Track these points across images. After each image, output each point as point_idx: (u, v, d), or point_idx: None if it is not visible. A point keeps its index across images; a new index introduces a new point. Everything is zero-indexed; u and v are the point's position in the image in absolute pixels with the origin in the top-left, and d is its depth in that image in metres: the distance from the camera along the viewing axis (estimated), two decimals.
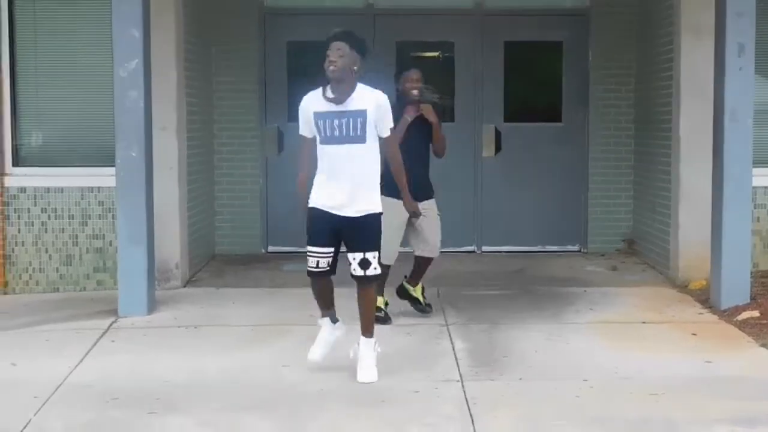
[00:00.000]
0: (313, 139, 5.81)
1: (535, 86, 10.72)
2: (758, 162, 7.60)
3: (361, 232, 5.77)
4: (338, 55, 5.65)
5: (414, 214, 6.83)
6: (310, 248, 5.82)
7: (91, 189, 8.53)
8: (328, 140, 5.74)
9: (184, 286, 8.64)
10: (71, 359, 6.35)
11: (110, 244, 8.52)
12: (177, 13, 8.45)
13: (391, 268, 7.00)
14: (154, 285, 7.80)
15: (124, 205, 7.48)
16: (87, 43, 8.64)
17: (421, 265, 7.29)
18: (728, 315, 7.25)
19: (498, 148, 10.39)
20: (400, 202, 6.68)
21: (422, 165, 7.12)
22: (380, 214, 5.85)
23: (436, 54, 10.79)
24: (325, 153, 5.77)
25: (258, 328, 7.14)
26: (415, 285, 7.39)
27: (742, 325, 6.97)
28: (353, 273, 5.83)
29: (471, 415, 5.26)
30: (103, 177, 8.36)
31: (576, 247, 10.40)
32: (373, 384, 5.78)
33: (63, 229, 8.56)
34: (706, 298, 7.77)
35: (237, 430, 5.13)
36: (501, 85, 10.43)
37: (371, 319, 5.93)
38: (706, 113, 7.92)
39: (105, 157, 8.35)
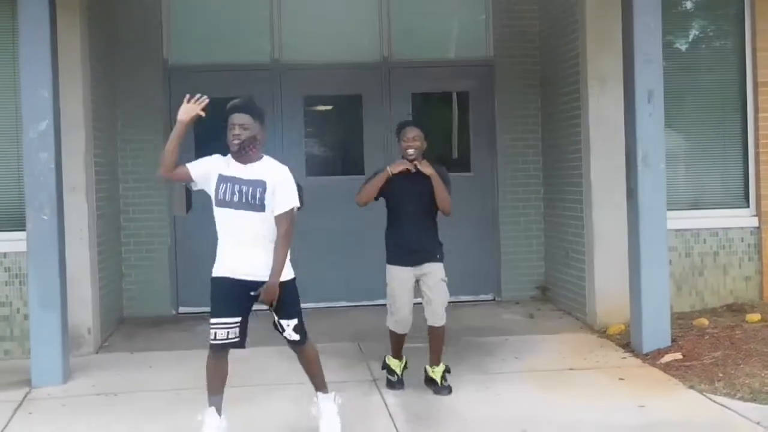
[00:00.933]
0: (188, 172, 5.74)
1: (443, 137, 10.81)
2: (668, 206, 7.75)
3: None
4: (242, 128, 5.61)
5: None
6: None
7: None
8: (225, 204, 5.64)
9: (97, 352, 8.37)
10: None
11: (17, 312, 8.20)
12: (84, 72, 8.28)
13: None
14: (69, 352, 7.53)
15: (35, 269, 7.23)
16: None
17: (432, 340, 6.74)
18: (651, 358, 7.34)
19: None
20: (404, 269, 6.60)
21: (421, 226, 6.68)
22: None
23: (338, 107, 10.84)
24: (224, 216, 5.66)
25: (181, 392, 6.94)
26: (433, 366, 6.76)
27: (667, 368, 7.06)
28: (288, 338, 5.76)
29: None
30: (9, 242, 8.09)
31: (490, 296, 10.45)
32: None
33: None
34: (626, 342, 7.86)
35: None
36: None
37: (321, 375, 5.90)
38: (616, 158, 8.10)
39: (11, 222, 8.11)
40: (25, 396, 6.97)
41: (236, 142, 5.60)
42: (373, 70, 10.46)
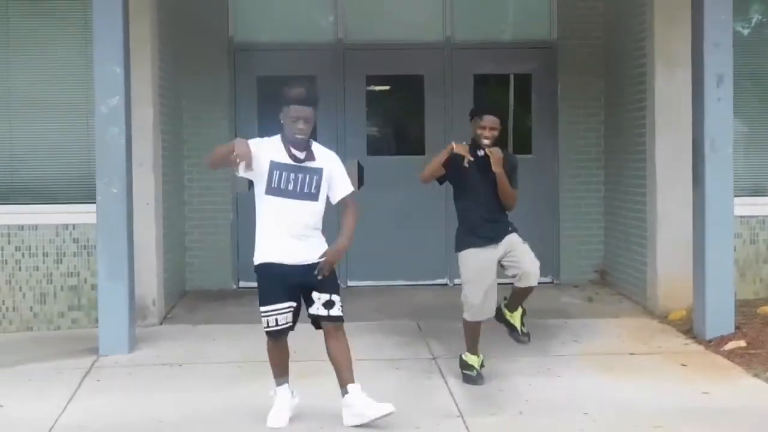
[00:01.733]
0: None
1: (505, 118, 10.77)
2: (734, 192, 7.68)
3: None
4: (306, 123, 5.51)
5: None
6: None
7: (65, 226, 8.38)
8: (279, 192, 5.54)
9: (161, 323, 8.53)
10: (59, 399, 6.24)
11: (85, 282, 8.38)
12: (152, 49, 8.40)
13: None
14: (135, 322, 7.68)
15: (104, 241, 7.37)
16: (62, 78, 8.53)
17: (517, 293, 6.60)
18: (714, 345, 7.30)
19: None
20: (479, 250, 6.45)
21: (490, 207, 6.52)
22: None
23: (400, 87, 10.87)
24: (276, 205, 5.56)
25: (243, 365, 7.04)
26: (512, 310, 6.70)
27: (731, 356, 7.02)
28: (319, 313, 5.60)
29: None
30: (77, 214, 8.25)
31: (548, 279, 10.43)
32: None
33: (37, 267, 8.39)
34: (688, 328, 7.82)
35: None
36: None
37: (351, 364, 5.64)
38: (682, 142, 8.05)
39: (80, 194, 8.28)
40: (93, 363, 7.13)
41: (301, 137, 5.52)
42: (436, 50, 10.45)
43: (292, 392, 5.77)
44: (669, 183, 8.51)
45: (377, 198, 10.20)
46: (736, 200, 7.72)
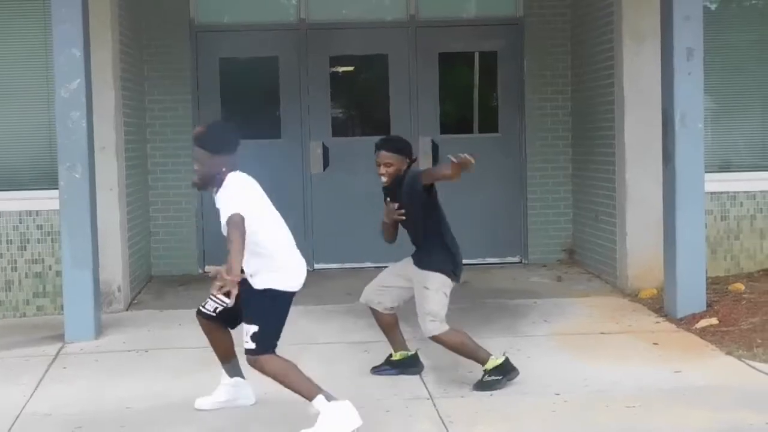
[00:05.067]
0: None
1: (470, 97, 10.75)
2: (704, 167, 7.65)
3: None
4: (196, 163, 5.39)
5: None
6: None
7: (29, 212, 8.26)
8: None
9: (127, 309, 8.43)
10: (25, 387, 6.17)
11: (50, 269, 8.26)
12: (113, 32, 8.27)
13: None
14: (100, 308, 7.59)
15: (68, 227, 7.26)
16: (21, 64, 8.38)
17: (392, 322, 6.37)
18: (686, 323, 7.27)
19: (435, 161, 10.34)
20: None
21: (411, 234, 6.23)
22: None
23: (364, 67, 10.80)
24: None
25: (209, 349, 6.88)
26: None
27: (702, 333, 6.99)
28: None
29: None
30: (41, 200, 8.14)
31: (516, 258, 10.41)
32: None
33: (1, 254, 8.28)
34: (659, 306, 7.80)
35: None
36: (436, 96, 10.41)
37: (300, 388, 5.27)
38: (651, 118, 8.01)
39: (43, 180, 8.16)
40: (59, 351, 7.05)
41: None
42: (400, 29, 10.36)
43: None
44: (638, 159, 8.47)
45: (343, 179, 10.13)
46: (707, 176, 7.69)
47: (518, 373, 5.94)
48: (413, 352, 6.37)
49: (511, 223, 10.43)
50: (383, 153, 6.05)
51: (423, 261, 6.05)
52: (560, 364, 6.48)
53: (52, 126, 7.81)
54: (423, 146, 10.27)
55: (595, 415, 5.42)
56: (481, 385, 5.89)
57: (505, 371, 5.92)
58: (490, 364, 5.91)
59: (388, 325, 6.32)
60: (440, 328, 5.93)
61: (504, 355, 6.00)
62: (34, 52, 8.26)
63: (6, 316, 8.26)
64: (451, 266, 6.03)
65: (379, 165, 6.06)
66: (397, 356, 6.34)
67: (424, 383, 6.10)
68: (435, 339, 5.98)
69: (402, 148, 6.12)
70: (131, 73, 9.10)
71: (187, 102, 10.06)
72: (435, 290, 5.95)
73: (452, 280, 6.04)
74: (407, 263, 6.20)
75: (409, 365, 6.33)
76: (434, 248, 6.05)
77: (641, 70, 8.40)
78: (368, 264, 10.11)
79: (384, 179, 6.07)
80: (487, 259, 10.32)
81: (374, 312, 6.32)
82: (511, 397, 5.78)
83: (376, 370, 6.36)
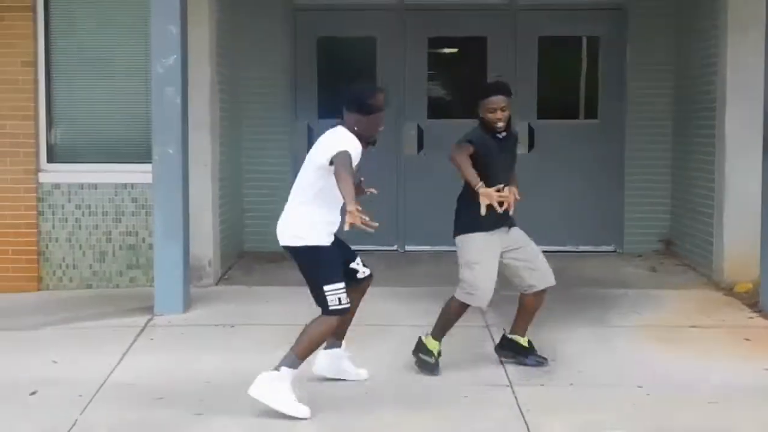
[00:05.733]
0: None
1: (569, 82, 10.57)
2: None
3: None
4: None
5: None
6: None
7: (124, 185, 8.41)
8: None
9: (217, 284, 8.54)
10: (111, 357, 6.29)
11: (143, 241, 8.41)
12: (210, 9, 8.36)
13: None
14: (189, 283, 7.68)
15: (160, 201, 7.38)
16: (122, 39, 8.52)
17: (528, 304, 6.16)
18: None
19: (531, 146, 10.22)
20: (485, 235, 5.91)
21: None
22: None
23: (463, 50, 10.71)
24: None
25: (295, 327, 6.88)
26: (523, 334, 6.21)
27: None
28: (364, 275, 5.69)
29: (526, 422, 5.12)
30: (136, 173, 8.25)
31: (611, 248, 10.22)
32: (421, 386, 5.68)
33: (96, 225, 8.45)
34: (754, 301, 7.57)
35: None
36: (534, 81, 10.25)
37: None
38: (753, 110, 7.76)
39: (139, 154, 8.26)
40: (147, 322, 7.18)
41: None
42: (500, 12, 10.25)
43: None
44: (738, 151, 8.22)
45: (437, 162, 10.06)
46: None
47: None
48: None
49: (608, 211, 10.24)
50: (500, 97, 5.79)
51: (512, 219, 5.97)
52: (645, 356, 6.34)
53: (149, 101, 7.90)
54: (520, 130, 10.13)
55: (675, 410, 5.29)
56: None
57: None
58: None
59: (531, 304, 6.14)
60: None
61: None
62: (135, 27, 8.37)
63: (100, 287, 8.45)
64: None
65: (494, 110, 5.78)
66: (523, 341, 6.17)
67: (505, 369, 6.03)
68: (545, 291, 6.07)
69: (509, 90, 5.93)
70: (228, 50, 9.19)
71: (284, 81, 10.13)
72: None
73: None
74: (495, 238, 5.93)
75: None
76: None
77: (745, 60, 8.14)
78: (571, 247, 10.10)
79: (501, 125, 5.82)
80: (581, 247, 10.17)
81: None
82: (592, 388, 5.69)
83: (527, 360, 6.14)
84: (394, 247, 10.20)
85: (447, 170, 9.92)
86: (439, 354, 6.00)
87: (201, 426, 5.10)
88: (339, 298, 5.35)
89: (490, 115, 5.82)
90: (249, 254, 9.96)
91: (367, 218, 4.94)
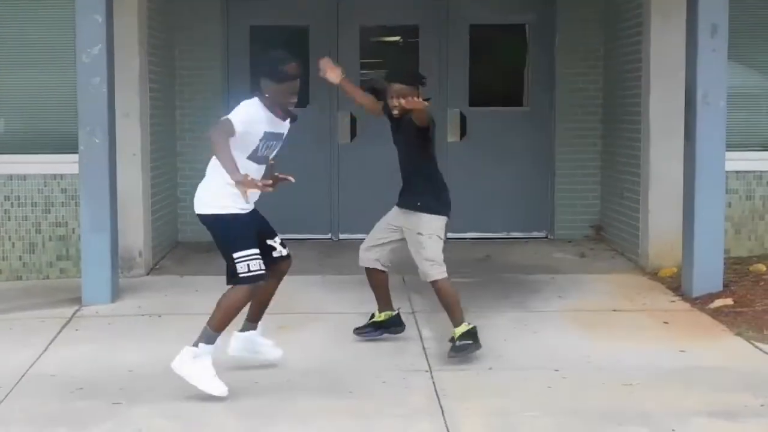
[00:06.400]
0: None
1: (500, 70, 10.63)
2: (729, 146, 7.48)
3: None
4: None
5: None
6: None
7: (53, 176, 8.36)
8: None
9: (148, 274, 8.52)
10: (35, 348, 6.26)
11: (73, 232, 8.37)
12: None
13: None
14: (117, 273, 7.69)
15: (87, 191, 7.35)
16: (48, 29, 8.45)
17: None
18: (701, 303, 7.18)
19: (463, 133, 10.30)
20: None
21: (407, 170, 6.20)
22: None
23: (398, 38, 10.74)
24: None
25: None
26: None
27: (715, 314, 6.90)
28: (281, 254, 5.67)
29: (441, 406, 5.19)
30: (66, 164, 8.18)
31: (542, 234, 10.35)
32: (339, 374, 5.73)
33: (26, 216, 8.40)
34: (677, 285, 7.71)
35: (202, 421, 5.05)
36: (466, 69, 10.33)
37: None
38: (677, 96, 7.84)
39: (68, 144, 8.16)
40: (74, 313, 7.16)
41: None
42: (432, 0, 10.31)
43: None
44: (662, 137, 8.36)
45: (371, 150, 10.12)
46: (733, 155, 7.62)
47: (480, 347, 5.93)
48: (396, 312, 6.42)
49: (538, 198, 10.35)
50: (399, 86, 5.92)
51: (417, 201, 6.05)
52: (565, 340, 6.44)
53: (76, 91, 7.88)
54: (451, 118, 10.22)
55: (590, 393, 5.39)
56: (457, 349, 5.90)
57: (474, 337, 5.93)
58: (463, 328, 5.95)
59: (381, 283, 6.35)
60: (441, 272, 6.00)
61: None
62: (60, 16, 8.29)
63: (29, 278, 8.40)
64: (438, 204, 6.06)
65: (391, 97, 5.94)
66: (381, 317, 6.39)
67: (426, 355, 6.11)
68: (434, 284, 6.04)
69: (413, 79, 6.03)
70: (160, 39, 9.15)
71: (217, 70, 10.10)
72: (428, 235, 5.99)
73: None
74: (395, 213, 6.19)
75: (393, 324, 6.40)
76: (425, 188, 6.08)
77: (667, 46, 8.26)
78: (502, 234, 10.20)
79: (396, 112, 5.97)
80: (512, 234, 10.27)
81: (368, 272, 6.33)
82: (509, 372, 5.78)
83: (361, 333, 6.37)
84: (329, 236, 10.26)
85: (381, 159, 10.05)
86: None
87: (119, 415, 5.10)
88: (248, 265, 5.32)
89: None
90: (184, 244, 9.93)
91: (260, 183, 5.00)
